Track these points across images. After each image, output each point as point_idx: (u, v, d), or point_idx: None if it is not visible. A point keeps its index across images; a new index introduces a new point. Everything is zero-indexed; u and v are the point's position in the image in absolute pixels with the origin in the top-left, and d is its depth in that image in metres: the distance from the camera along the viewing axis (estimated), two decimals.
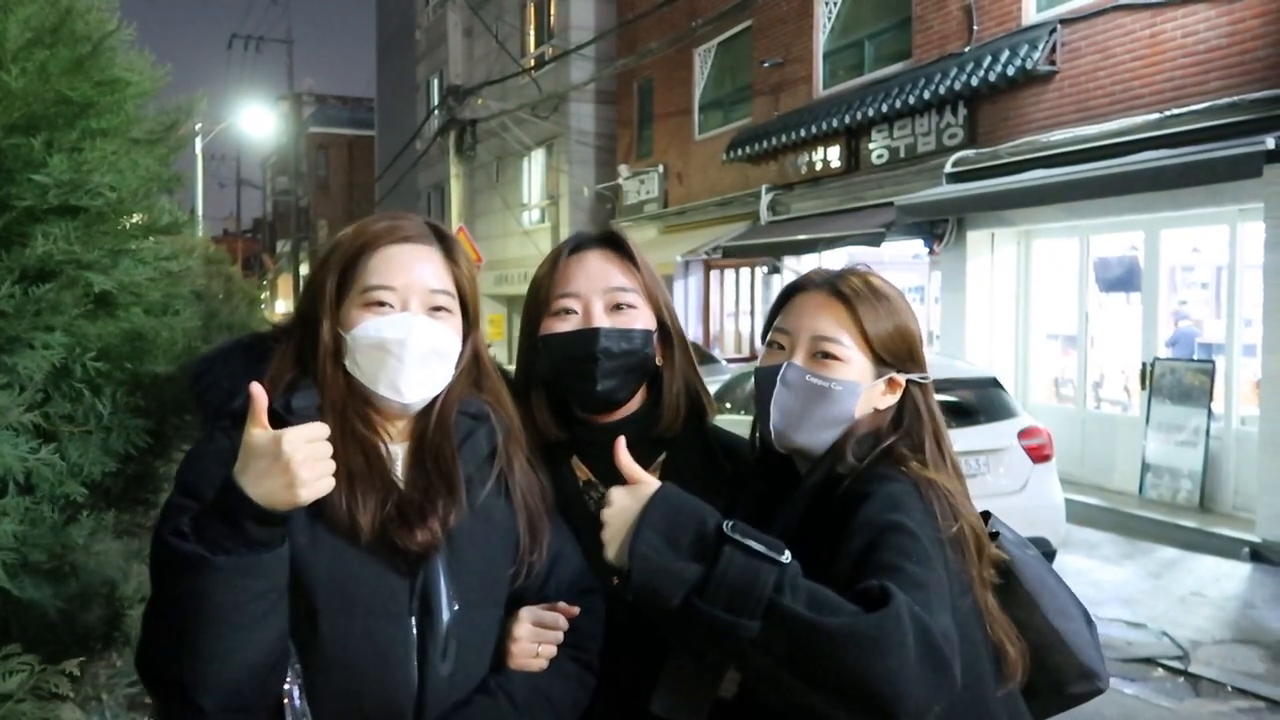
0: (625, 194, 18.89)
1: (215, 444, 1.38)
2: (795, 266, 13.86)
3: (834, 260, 13.36)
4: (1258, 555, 7.65)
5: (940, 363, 8.99)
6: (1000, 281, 10.98)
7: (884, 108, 11.52)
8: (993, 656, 1.48)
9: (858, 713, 1.16)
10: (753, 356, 14.77)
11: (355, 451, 1.37)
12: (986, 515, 1.63)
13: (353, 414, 1.44)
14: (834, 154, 12.89)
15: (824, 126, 12.53)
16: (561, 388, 1.69)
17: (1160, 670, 5.64)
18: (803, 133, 12.95)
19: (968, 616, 1.43)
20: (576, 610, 1.51)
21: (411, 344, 1.42)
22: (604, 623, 1.56)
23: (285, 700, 1.34)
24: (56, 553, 1.55)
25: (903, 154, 11.80)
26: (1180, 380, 8.90)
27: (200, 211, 27.63)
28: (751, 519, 1.56)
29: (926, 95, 10.89)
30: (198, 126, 29.19)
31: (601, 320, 1.65)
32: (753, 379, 1.65)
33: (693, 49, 16.47)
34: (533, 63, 20.81)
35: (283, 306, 44.40)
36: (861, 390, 1.55)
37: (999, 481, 6.83)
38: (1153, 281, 9.48)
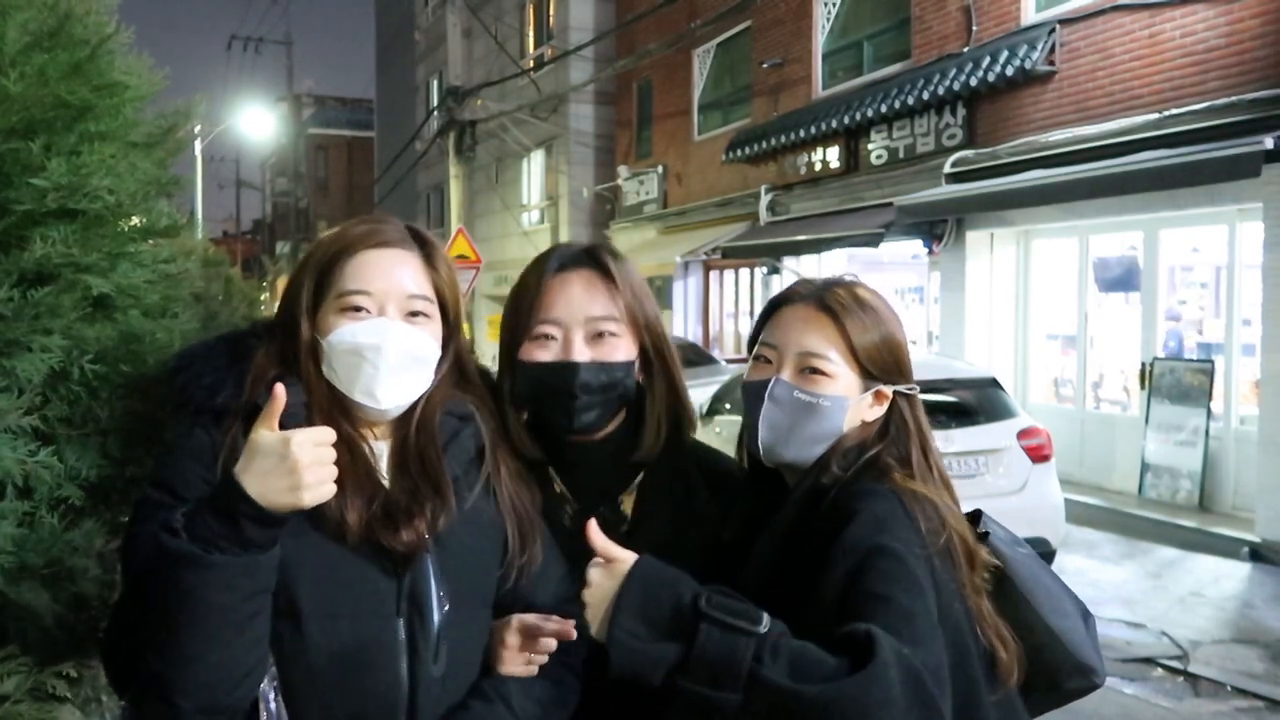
0: (624, 195, 18.90)
1: (194, 440, 1.36)
2: (795, 267, 13.87)
3: (834, 260, 13.39)
4: (1257, 555, 7.65)
5: (939, 363, 8.99)
6: (999, 282, 10.99)
7: (883, 108, 11.52)
8: (986, 661, 1.48)
9: None
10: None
11: (342, 450, 1.32)
12: (978, 515, 1.63)
13: (338, 413, 1.42)
14: (833, 154, 12.90)
15: (823, 127, 12.54)
16: (538, 413, 1.67)
17: (1160, 670, 5.65)
18: (802, 133, 12.96)
19: (959, 622, 1.43)
20: (570, 626, 1.47)
21: (387, 350, 1.40)
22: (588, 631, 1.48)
23: (261, 703, 1.32)
24: (55, 556, 1.55)
25: (902, 154, 11.80)
26: (1179, 380, 8.91)
27: (200, 213, 27.64)
28: (740, 535, 1.59)
29: (925, 96, 10.90)
30: (197, 128, 29.21)
31: (581, 352, 1.61)
32: (740, 392, 1.65)
33: (692, 50, 16.49)
34: (532, 64, 20.81)
35: None
36: (849, 405, 1.55)
37: (998, 481, 6.84)
38: (1152, 281, 9.49)
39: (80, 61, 1.60)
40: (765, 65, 14.48)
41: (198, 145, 28.62)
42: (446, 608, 1.41)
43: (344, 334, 1.40)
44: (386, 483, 1.44)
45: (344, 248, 1.45)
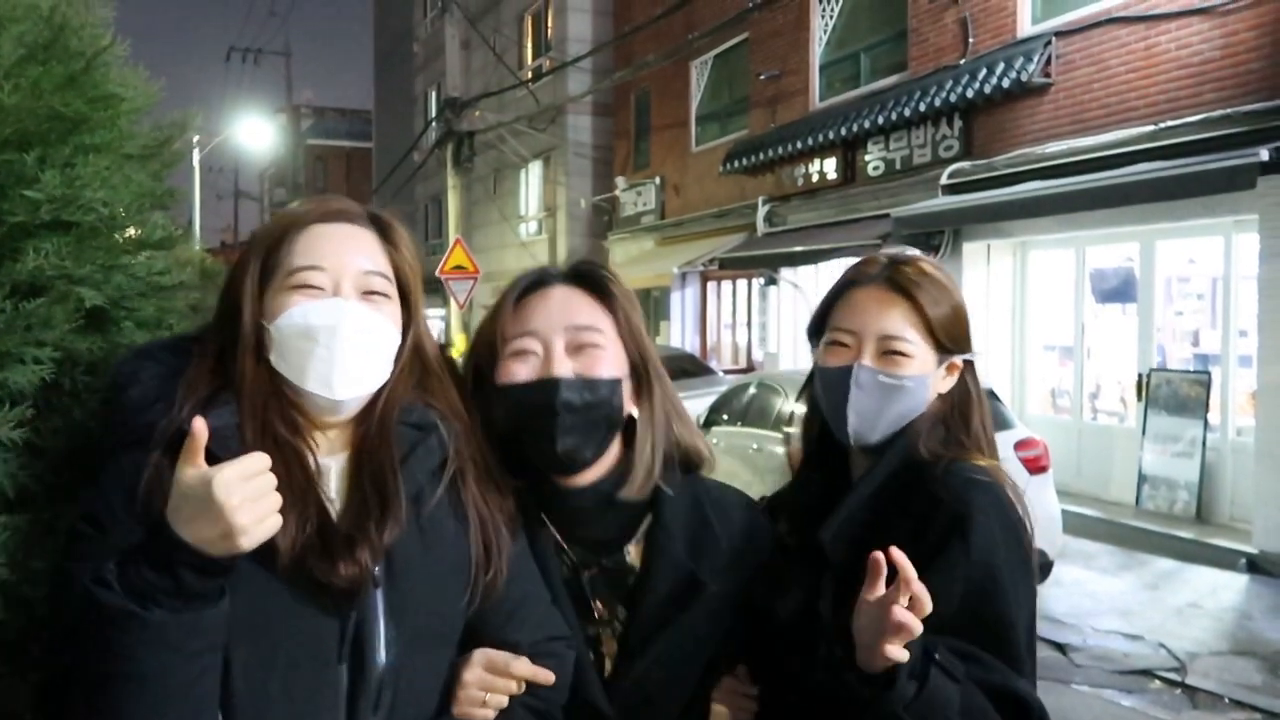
0: (622, 206, 18.93)
1: (119, 465, 1.18)
2: (792, 278, 13.88)
3: (831, 272, 13.39)
4: (1254, 566, 7.64)
5: None
6: (996, 293, 11.00)
7: (880, 120, 11.55)
8: None
9: None
10: (749, 368, 14.77)
11: (277, 461, 1.13)
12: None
13: (276, 418, 1.23)
14: (830, 166, 12.93)
15: (820, 138, 12.57)
16: (520, 444, 1.46)
17: (1157, 682, 5.64)
18: (799, 144, 12.99)
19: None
20: (546, 672, 1.33)
21: (343, 331, 1.23)
22: (569, 675, 1.39)
23: None
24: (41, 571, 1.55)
25: (899, 166, 11.83)
26: (1176, 391, 8.91)
27: (197, 223, 27.65)
28: (813, 509, 1.58)
29: (922, 107, 10.93)
30: (195, 139, 29.23)
31: (563, 363, 1.43)
32: (813, 377, 1.64)
33: (689, 61, 16.53)
34: (530, 75, 20.86)
35: None
36: (930, 381, 1.57)
37: None
38: (1148, 293, 9.50)
39: (75, 74, 1.60)
40: (763, 77, 14.52)
41: (195, 155, 28.66)
42: (395, 650, 1.23)
43: (294, 315, 1.23)
44: (333, 504, 1.24)
45: (293, 222, 1.29)
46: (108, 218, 1.58)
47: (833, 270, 13.42)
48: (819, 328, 1.65)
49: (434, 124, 22.15)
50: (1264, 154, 7.30)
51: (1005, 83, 9.92)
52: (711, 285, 17.11)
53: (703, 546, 1.49)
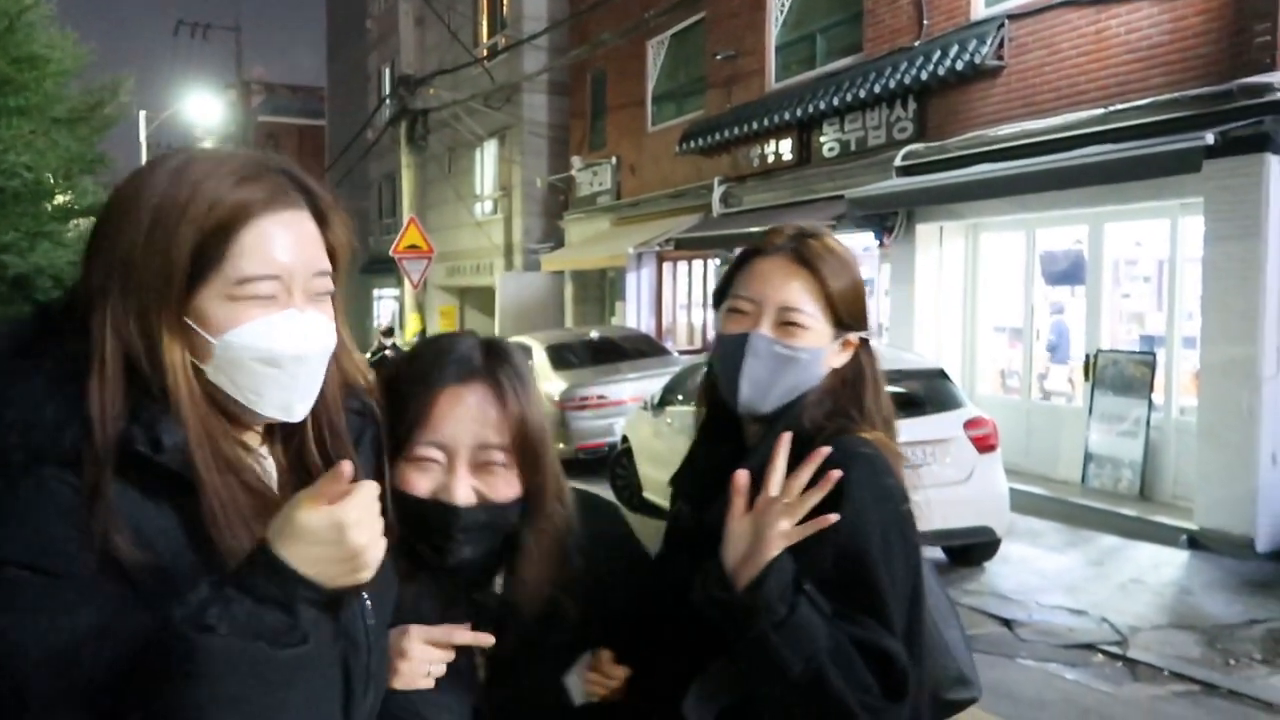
0: (578, 185, 18.84)
1: (53, 496, 0.98)
2: None
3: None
4: (1195, 543, 7.81)
5: (888, 354, 9.06)
6: (948, 274, 11.10)
7: (835, 101, 11.58)
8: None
9: None
10: (704, 348, 14.80)
11: (234, 483, 1.08)
12: None
13: (221, 438, 1.10)
14: (786, 147, 12.95)
15: (776, 119, 12.58)
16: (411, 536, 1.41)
17: (1100, 655, 5.74)
18: (755, 125, 12.99)
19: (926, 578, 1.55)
20: (481, 637, 1.37)
21: (311, 357, 1.12)
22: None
23: None
24: None
25: (853, 147, 11.87)
26: (1122, 372, 9.06)
27: None
28: (706, 479, 1.59)
29: (877, 89, 10.97)
30: (141, 113, 28.64)
31: (465, 489, 1.39)
32: (716, 344, 1.65)
33: (646, 40, 16.46)
34: (485, 53, 20.64)
35: None
36: (825, 355, 1.58)
37: (945, 471, 6.91)
38: (1097, 275, 9.63)
39: None
40: (719, 57, 14.48)
41: (142, 130, 28.08)
42: (375, 633, 1.23)
43: (253, 335, 1.07)
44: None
45: (236, 215, 1.07)
46: (33, 183, 1.53)
47: None
48: (722, 295, 1.65)
49: (388, 101, 21.87)
50: (1210, 138, 7.41)
51: (959, 65, 9.98)
52: (667, 266, 17.10)
53: (562, 570, 1.48)
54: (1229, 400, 7.77)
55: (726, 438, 1.66)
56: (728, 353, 1.58)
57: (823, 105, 11.77)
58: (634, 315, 17.27)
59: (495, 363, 1.43)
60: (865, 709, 1.35)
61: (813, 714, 1.37)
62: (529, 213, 20.26)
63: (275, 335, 1.08)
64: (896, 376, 7.39)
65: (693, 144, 14.42)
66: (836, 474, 1.38)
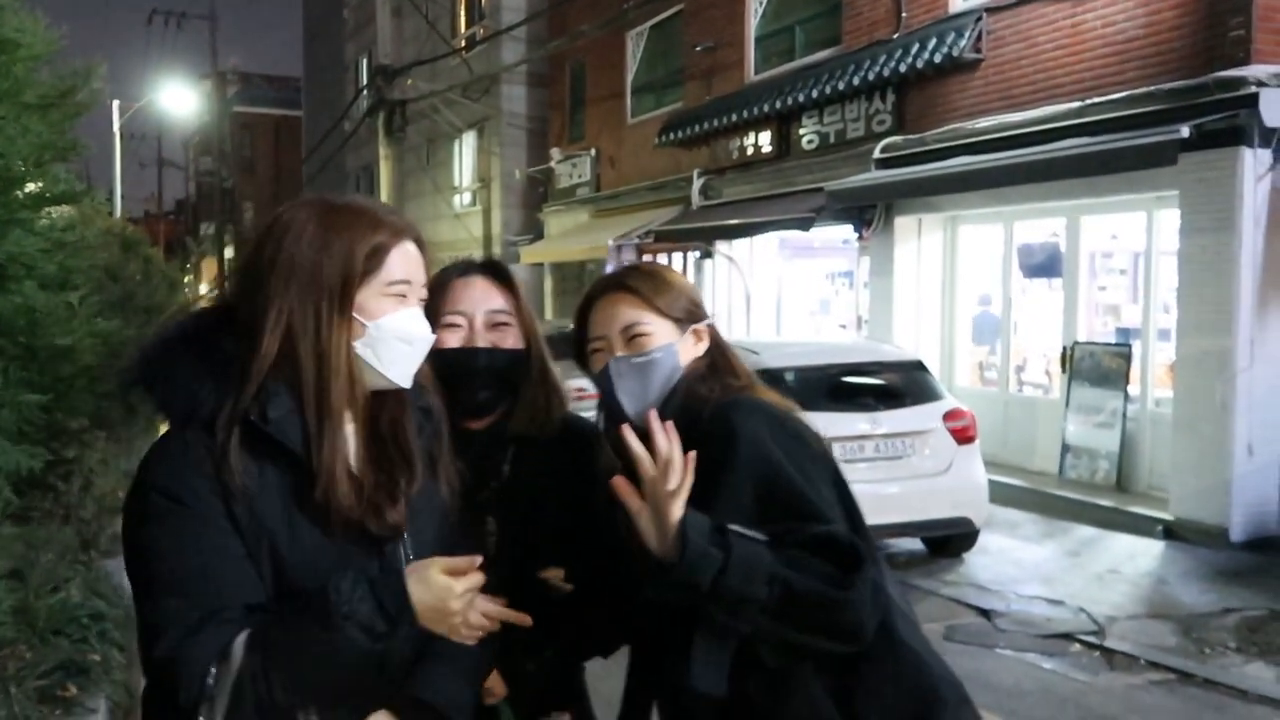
0: (557, 177, 18.78)
1: (192, 452, 1.39)
2: (727, 251, 13.91)
3: (766, 244, 13.46)
4: (1170, 533, 7.88)
5: (867, 346, 9.09)
6: (927, 266, 11.14)
7: (814, 93, 11.59)
8: None
9: (833, 641, 1.54)
10: None
11: (341, 445, 1.45)
12: None
13: (324, 402, 1.45)
14: (765, 139, 12.95)
15: (755, 111, 12.58)
16: (448, 395, 1.80)
17: (1077, 645, 5.79)
18: (734, 118, 12.98)
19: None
20: (524, 618, 1.59)
21: (427, 339, 1.56)
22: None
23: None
24: None
25: (833, 140, 11.89)
26: (1099, 364, 9.13)
27: (119, 192, 26.84)
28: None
29: (856, 81, 10.99)
30: (115, 102, 28.32)
31: (482, 338, 1.92)
32: (594, 386, 1.87)
33: (625, 32, 16.41)
34: (464, 43, 20.54)
35: (206, 290, 43.29)
36: (677, 347, 1.80)
37: (924, 463, 6.94)
38: (1073, 267, 9.70)
39: None
40: (698, 49, 14.46)
41: (115, 120, 27.79)
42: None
43: (397, 322, 1.50)
44: (360, 467, 1.51)
45: (387, 240, 1.51)
46: (3, 169, 1.50)
47: (767, 243, 13.49)
48: (581, 347, 1.88)
49: (365, 92, 21.73)
50: (1185, 131, 7.47)
51: (937, 58, 10.01)
52: (647, 258, 17.05)
53: (550, 463, 1.96)
54: (1204, 392, 7.85)
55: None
56: (603, 387, 1.81)
57: (802, 98, 11.78)
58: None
59: (492, 261, 2.05)
60: (839, 588, 1.49)
61: (803, 623, 1.51)
62: (508, 205, 20.18)
63: (413, 323, 1.52)
64: (875, 368, 7.42)
65: (672, 136, 14.40)
66: (670, 424, 1.57)
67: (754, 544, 1.50)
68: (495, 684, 1.83)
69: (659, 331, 1.79)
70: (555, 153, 18.80)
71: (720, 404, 1.70)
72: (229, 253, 31.95)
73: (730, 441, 1.61)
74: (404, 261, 1.52)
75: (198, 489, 1.37)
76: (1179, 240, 8.14)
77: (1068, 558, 7.57)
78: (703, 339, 1.84)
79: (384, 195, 16.94)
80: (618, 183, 16.94)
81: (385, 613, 1.33)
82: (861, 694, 1.58)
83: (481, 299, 1.96)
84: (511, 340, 1.95)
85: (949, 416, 7.08)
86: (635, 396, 1.77)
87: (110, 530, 5.78)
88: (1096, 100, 8.68)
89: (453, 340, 1.91)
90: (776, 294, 14.06)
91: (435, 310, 1.86)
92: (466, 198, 22.09)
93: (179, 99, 31.03)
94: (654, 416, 1.59)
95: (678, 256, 16.01)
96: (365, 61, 25.12)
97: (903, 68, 10.38)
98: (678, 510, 1.50)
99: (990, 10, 9.85)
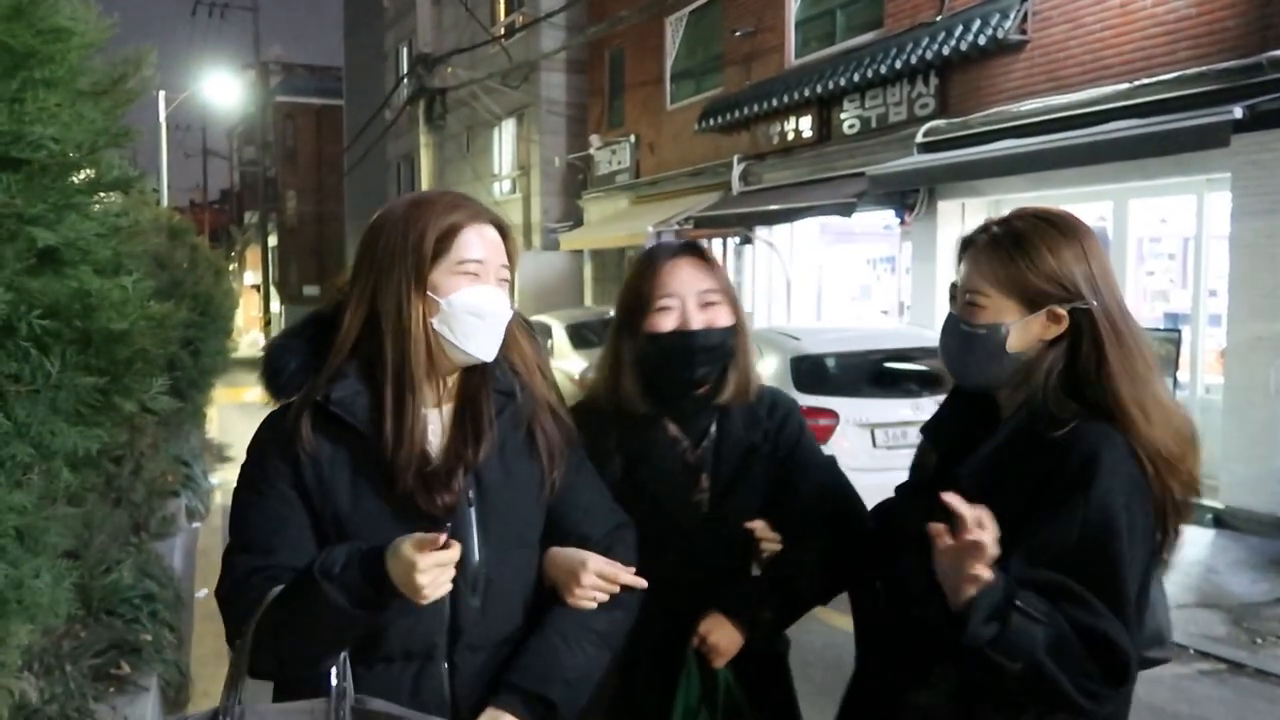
0: (597, 164, 18.78)
1: (278, 428, 1.60)
2: (767, 237, 13.84)
3: (806, 230, 13.37)
4: (1220, 522, 7.76)
5: (910, 332, 9.02)
6: None
7: (855, 77, 11.48)
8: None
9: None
10: None
11: (417, 421, 1.59)
12: None
13: (415, 380, 1.60)
14: (806, 124, 12.86)
15: (796, 96, 12.48)
16: (660, 373, 2.01)
17: None
18: (774, 102, 12.89)
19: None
20: (639, 581, 1.70)
21: (501, 314, 1.64)
22: (634, 549, 1.80)
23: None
24: None
25: (874, 124, 11.78)
26: None
27: (165, 181, 27.22)
28: (953, 432, 1.79)
29: (898, 65, 10.87)
30: (161, 93, 28.69)
31: (696, 319, 1.99)
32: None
33: (664, 17, 16.35)
34: (503, 31, 20.58)
35: (251, 278, 43.87)
36: (1005, 330, 1.63)
37: None
38: (1121, 252, 9.54)
39: (22, 5, 1.53)
40: (737, 34, 14.37)
41: (161, 111, 28.17)
42: (484, 551, 1.63)
43: (467, 297, 1.60)
44: (432, 446, 1.62)
45: (460, 220, 1.63)
46: (59, 155, 1.52)
47: (808, 229, 13.40)
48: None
49: (405, 81, 21.87)
50: (1238, 112, 7.31)
51: (981, 40, 9.87)
52: None
53: (753, 430, 2.07)
54: (1255, 378, 7.70)
55: (974, 400, 1.78)
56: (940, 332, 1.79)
57: (843, 82, 11.67)
58: None
59: (693, 244, 2.12)
60: (1085, 694, 1.45)
61: (1034, 694, 1.48)
62: (547, 192, 20.22)
63: (482, 298, 1.62)
64: (919, 354, 7.35)
65: (712, 122, 14.34)
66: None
67: (1031, 624, 1.45)
68: (723, 641, 1.89)
69: (991, 307, 1.66)
70: (594, 139, 18.79)
71: (1092, 430, 1.57)
72: (272, 240, 32.29)
73: (1086, 481, 1.52)
74: (478, 242, 1.63)
75: (274, 462, 1.58)
76: (1230, 224, 7.98)
77: None
78: (1060, 323, 1.63)
79: (424, 183, 17.07)
80: (657, 169, 16.91)
81: (369, 581, 1.44)
82: None
83: (690, 280, 2.01)
84: (724, 318, 2.03)
85: None
86: (950, 357, 1.76)
87: (160, 514, 5.90)
88: (1146, 81, 8.52)
89: (668, 323, 1.99)
90: (817, 280, 13.98)
91: (646, 295, 2.00)
92: (506, 185, 22.16)
93: (222, 90, 31.38)
94: (954, 502, 1.46)
95: (717, 243, 15.97)
96: (405, 50, 25.26)
97: (946, 50, 10.24)
98: (972, 589, 1.43)
99: None
